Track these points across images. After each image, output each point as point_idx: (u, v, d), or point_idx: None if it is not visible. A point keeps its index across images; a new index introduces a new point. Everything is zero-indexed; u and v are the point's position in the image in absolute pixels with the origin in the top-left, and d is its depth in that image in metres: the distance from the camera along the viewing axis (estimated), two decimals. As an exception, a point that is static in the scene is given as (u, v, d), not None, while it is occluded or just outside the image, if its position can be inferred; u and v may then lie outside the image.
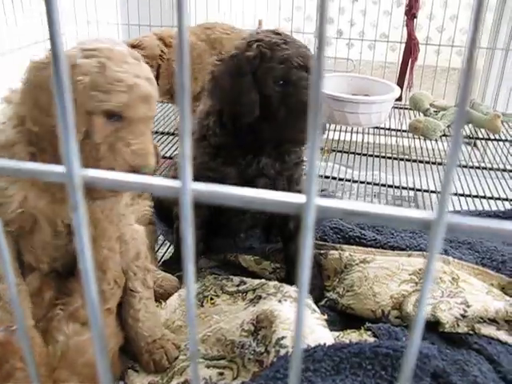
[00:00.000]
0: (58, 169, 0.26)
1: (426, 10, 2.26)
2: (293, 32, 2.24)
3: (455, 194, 1.50)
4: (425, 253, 1.02)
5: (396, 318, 0.91)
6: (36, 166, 0.27)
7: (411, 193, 1.57)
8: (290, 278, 1.04)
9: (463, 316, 0.86)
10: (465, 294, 0.90)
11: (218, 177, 0.98)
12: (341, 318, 0.97)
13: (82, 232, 0.28)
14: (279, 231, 1.09)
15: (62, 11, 1.80)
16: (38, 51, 2.01)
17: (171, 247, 1.22)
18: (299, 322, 0.27)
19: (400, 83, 2.15)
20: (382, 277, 0.97)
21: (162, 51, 1.66)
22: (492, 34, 2.20)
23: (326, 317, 0.87)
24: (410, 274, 0.95)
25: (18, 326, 0.34)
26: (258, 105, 0.92)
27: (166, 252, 1.26)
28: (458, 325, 0.85)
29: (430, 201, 1.52)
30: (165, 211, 1.19)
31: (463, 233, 0.24)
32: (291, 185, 1.03)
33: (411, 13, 2.07)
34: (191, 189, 0.24)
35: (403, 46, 2.18)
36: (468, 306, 0.87)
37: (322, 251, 1.05)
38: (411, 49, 2.13)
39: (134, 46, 1.54)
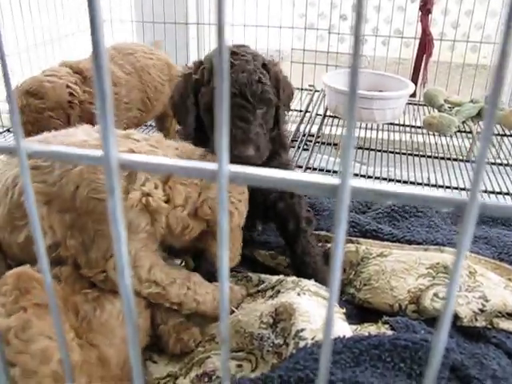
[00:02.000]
0: (96, 153, 0.27)
1: (440, 5, 2.25)
2: (306, 29, 2.24)
3: (463, 189, 1.50)
4: (442, 247, 1.02)
5: (413, 313, 0.91)
6: (74, 150, 0.27)
7: (426, 189, 1.56)
8: (300, 273, 1.03)
9: (481, 310, 0.86)
10: (483, 288, 0.90)
11: None
12: (358, 311, 0.98)
13: (118, 217, 0.28)
14: (280, 233, 1.09)
15: (73, 11, 1.81)
16: (50, 49, 2.03)
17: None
18: (329, 318, 0.28)
19: (414, 79, 2.14)
20: (399, 271, 0.97)
21: (72, 94, 1.26)
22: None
23: (344, 310, 0.88)
24: (427, 268, 0.95)
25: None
26: (193, 127, 0.97)
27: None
28: (477, 319, 0.85)
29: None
30: None
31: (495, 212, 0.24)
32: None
33: (426, 8, 2.06)
34: (228, 170, 0.24)
35: (417, 41, 2.17)
36: (486, 301, 0.86)
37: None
38: (426, 45, 2.12)
39: (29, 94, 1.24)
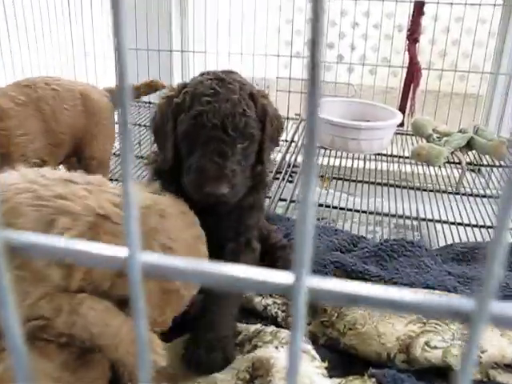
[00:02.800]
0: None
1: (428, 34, 2.23)
2: (292, 57, 2.21)
3: (453, 223, 1.45)
4: (432, 291, 0.96)
5: (403, 362, 0.84)
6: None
7: (415, 222, 1.51)
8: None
9: (477, 363, 0.79)
10: (477, 336, 0.84)
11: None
12: (342, 359, 0.90)
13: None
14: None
15: (56, 43, 1.75)
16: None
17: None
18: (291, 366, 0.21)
19: (402, 108, 2.10)
20: (387, 315, 0.90)
21: None
22: (495, 59, 2.16)
23: (326, 364, 0.81)
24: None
25: None
26: (171, 155, 0.90)
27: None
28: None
29: (434, 230, 1.46)
30: None
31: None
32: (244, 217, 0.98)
33: (413, 37, 2.04)
34: (141, 261, 0.18)
35: (405, 70, 2.14)
36: (482, 351, 0.80)
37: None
38: (413, 73, 2.09)
39: None
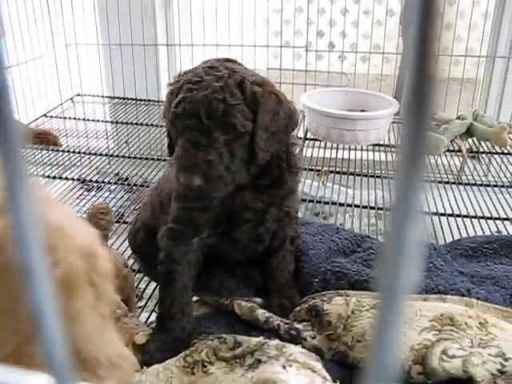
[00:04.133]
0: None
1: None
2: (282, 47, 2.13)
3: (458, 216, 1.38)
4: (443, 296, 0.89)
5: (419, 375, 0.77)
6: None
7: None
8: (267, 285, 1.01)
9: (501, 372, 0.72)
10: (498, 341, 0.77)
11: (200, 206, 0.89)
12: (352, 375, 0.84)
13: None
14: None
15: (39, 35, 1.68)
16: (18, 72, 1.90)
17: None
18: None
19: (398, 96, 2.03)
20: (398, 323, 0.83)
21: None
22: (491, 41, 2.09)
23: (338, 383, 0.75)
24: (430, 321, 0.82)
25: None
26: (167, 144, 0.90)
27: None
28: (496, 382, 0.72)
29: (439, 223, 1.39)
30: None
31: None
32: (281, 214, 0.95)
33: (407, 22, 1.96)
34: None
35: (399, 57, 2.07)
36: (506, 360, 0.73)
37: (324, 298, 0.92)
38: (408, 60, 2.02)
39: None
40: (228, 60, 0.88)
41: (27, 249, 0.13)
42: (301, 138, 1.85)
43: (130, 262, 1.16)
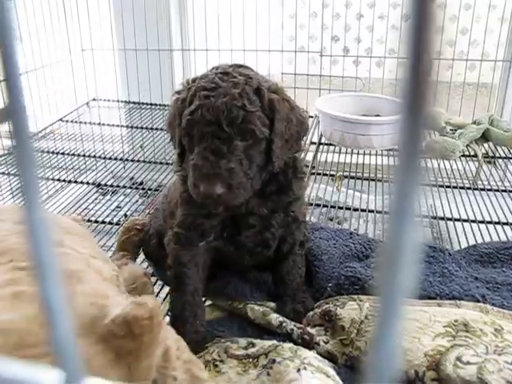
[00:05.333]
0: None
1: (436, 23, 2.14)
2: (297, 51, 2.13)
3: (474, 221, 1.37)
4: (458, 301, 0.88)
5: (433, 381, 0.77)
6: None
7: (432, 220, 1.43)
8: (280, 290, 1.01)
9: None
10: (513, 348, 0.76)
11: (206, 213, 0.89)
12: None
13: None
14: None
15: (56, 40, 1.70)
16: (35, 77, 1.92)
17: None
18: None
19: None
20: (411, 330, 0.83)
21: None
22: (508, 46, 2.08)
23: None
24: (444, 326, 0.81)
25: None
26: (178, 152, 0.88)
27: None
28: (511, 391, 0.71)
29: (454, 229, 1.38)
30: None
31: None
32: (287, 219, 0.95)
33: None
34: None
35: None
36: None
37: (338, 303, 0.92)
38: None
39: None
40: (240, 66, 0.87)
41: (38, 242, 0.13)
42: (315, 143, 1.85)
43: (144, 265, 1.16)
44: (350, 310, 0.89)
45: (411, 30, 0.14)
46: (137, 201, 1.75)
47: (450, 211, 1.42)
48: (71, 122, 2.13)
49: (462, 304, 0.87)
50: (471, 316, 0.83)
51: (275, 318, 0.91)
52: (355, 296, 0.92)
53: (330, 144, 1.83)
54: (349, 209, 1.50)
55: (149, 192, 1.73)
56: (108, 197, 1.76)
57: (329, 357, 0.82)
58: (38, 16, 1.95)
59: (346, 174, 1.72)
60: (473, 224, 1.35)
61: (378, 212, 1.46)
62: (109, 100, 2.29)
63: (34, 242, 0.13)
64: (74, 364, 0.12)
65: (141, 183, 1.79)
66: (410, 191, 0.14)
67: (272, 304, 0.98)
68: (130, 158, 1.89)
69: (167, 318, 0.99)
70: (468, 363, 0.75)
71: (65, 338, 0.12)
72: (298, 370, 0.71)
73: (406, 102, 0.14)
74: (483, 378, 0.73)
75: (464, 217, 1.39)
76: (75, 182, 1.74)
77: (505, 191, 1.56)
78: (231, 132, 0.78)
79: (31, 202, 0.14)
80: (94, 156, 1.91)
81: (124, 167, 1.88)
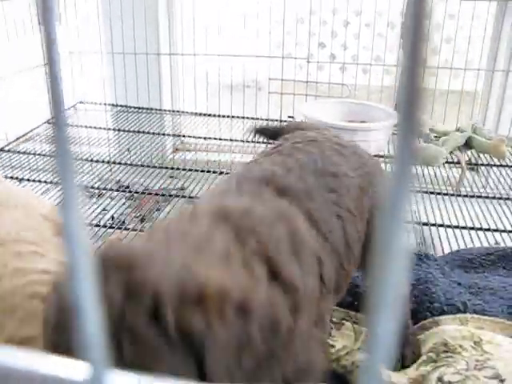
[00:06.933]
0: None
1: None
2: (284, 58, 2.15)
3: (456, 227, 1.39)
4: (437, 318, 0.89)
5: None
6: None
7: (416, 226, 1.45)
8: None
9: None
10: (494, 361, 0.78)
11: None
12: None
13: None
14: None
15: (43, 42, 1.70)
16: (22, 79, 1.92)
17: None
18: None
19: (398, 108, 2.05)
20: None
21: None
22: (490, 55, 2.11)
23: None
24: (425, 353, 0.83)
25: None
26: None
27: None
28: (492, 402, 0.73)
29: (438, 234, 1.40)
30: None
31: None
32: None
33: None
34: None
35: (400, 69, 2.09)
36: (502, 381, 0.74)
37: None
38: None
39: None
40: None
41: (73, 246, 0.14)
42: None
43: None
44: (344, 329, 0.90)
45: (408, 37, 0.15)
46: (123, 204, 1.75)
47: (434, 217, 1.45)
48: (57, 124, 2.12)
49: (441, 320, 0.88)
50: (450, 333, 0.84)
51: None
52: (352, 313, 0.92)
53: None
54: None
55: (135, 195, 1.74)
56: (94, 200, 1.76)
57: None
58: (26, 17, 1.95)
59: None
60: (456, 230, 1.37)
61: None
62: (95, 103, 2.29)
63: (71, 247, 0.14)
64: (100, 355, 0.13)
65: (127, 186, 1.79)
66: (404, 196, 0.15)
67: None
68: (117, 161, 1.89)
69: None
70: (449, 383, 0.76)
71: (94, 336, 0.13)
72: None
73: (402, 108, 0.15)
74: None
75: (447, 223, 1.41)
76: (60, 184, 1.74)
77: (487, 197, 1.58)
78: None
79: (71, 209, 0.15)
80: (81, 159, 1.91)
81: (110, 170, 1.87)
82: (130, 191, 1.75)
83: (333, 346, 0.86)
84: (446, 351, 0.80)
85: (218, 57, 2.10)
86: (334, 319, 0.91)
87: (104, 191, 1.77)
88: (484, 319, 0.87)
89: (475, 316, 0.87)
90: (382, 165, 1.82)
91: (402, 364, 0.84)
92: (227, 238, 0.50)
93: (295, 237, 0.56)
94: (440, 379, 0.76)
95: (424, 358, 0.81)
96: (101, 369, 0.12)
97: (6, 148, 1.91)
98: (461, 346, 0.80)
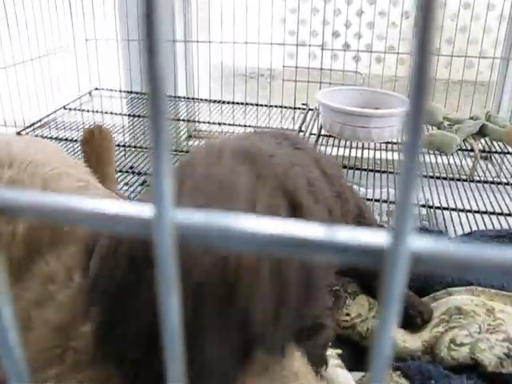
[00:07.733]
0: None
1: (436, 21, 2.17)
2: (298, 45, 2.16)
3: (469, 211, 1.40)
4: (449, 289, 0.91)
5: (428, 362, 0.79)
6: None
7: (429, 210, 1.46)
8: None
9: (508, 355, 0.74)
10: (506, 326, 0.79)
11: None
12: (355, 352, 0.85)
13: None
14: None
15: (60, 29, 1.72)
16: (39, 65, 1.94)
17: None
18: None
19: (411, 96, 2.05)
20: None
21: None
22: (506, 43, 2.11)
23: (340, 351, 0.76)
24: (438, 317, 0.84)
25: None
26: None
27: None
28: (503, 365, 0.74)
29: (450, 218, 1.41)
30: None
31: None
32: None
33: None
34: (172, 220, 0.13)
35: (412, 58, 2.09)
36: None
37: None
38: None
39: None
40: None
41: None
42: (315, 135, 1.87)
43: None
44: (359, 304, 0.91)
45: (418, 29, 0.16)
46: (136, 188, 1.77)
47: (447, 201, 1.45)
48: (74, 109, 2.14)
49: (453, 291, 0.90)
50: (462, 301, 0.86)
51: None
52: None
53: (330, 136, 1.85)
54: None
55: (148, 180, 1.75)
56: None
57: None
58: (43, 3, 1.97)
59: (344, 165, 1.74)
60: (468, 214, 1.38)
61: (375, 200, 1.48)
62: (111, 90, 2.31)
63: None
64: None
65: (140, 172, 1.81)
66: (413, 180, 0.15)
67: None
68: (132, 145, 1.91)
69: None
70: (461, 344, 0.78)
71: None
72: None
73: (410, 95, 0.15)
74: (475, 356, 0.76)
75: (460, 207, 1.42)
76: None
77: (500, 184, 1.59)
78: None
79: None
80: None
81: (125, 155, 1.89)
82: (144, 175, 1.77)
83: (348, 314, 0.88)
84: (460, 314, 0.82)
85: (233, 44, 2.11)
86: (348, 290, 0.92)
87: (118, 175, 1.79)
88: (497, 292, 0.88)
89: (486, 289, 0.88)
90: (397, 154, 1.83)
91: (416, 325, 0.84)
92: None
93: (311, 180, 0.60)
94: (452, 341, 0.77)
95: (436, 320, 0.83)
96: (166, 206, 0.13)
97: (23, 133, 1.94)
98: (474, 311, 0.82)
